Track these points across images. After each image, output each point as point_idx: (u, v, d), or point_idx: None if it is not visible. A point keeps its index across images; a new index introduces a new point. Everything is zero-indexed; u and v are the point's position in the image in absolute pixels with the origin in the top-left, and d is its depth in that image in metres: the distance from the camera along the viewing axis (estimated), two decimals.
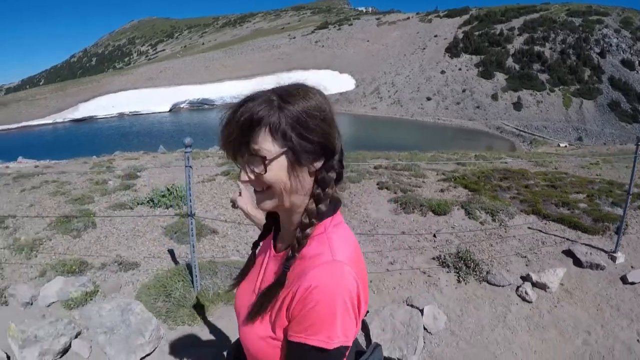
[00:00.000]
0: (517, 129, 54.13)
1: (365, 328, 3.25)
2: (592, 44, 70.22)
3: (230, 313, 3.29)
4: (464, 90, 66.06)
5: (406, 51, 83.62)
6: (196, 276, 3.54)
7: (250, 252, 1.29)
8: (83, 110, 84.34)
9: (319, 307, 0.96)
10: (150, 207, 5.57)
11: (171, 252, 4.37)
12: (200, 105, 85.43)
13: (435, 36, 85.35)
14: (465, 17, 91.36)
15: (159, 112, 78.73)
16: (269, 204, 1.04)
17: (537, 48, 71.39)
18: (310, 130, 0.97)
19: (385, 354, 2.84)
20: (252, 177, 0.99)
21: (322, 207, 1.03)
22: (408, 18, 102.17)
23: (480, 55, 73.63)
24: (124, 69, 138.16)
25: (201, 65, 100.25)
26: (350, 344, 1.01)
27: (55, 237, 4.64)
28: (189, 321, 3.34)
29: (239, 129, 0.96)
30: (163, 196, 5.65)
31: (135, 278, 3.88)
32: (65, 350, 2.92)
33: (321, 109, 0.98)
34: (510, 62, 70.48)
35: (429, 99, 66.89)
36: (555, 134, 51.85)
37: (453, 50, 78.18)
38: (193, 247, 3.46)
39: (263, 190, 1.02)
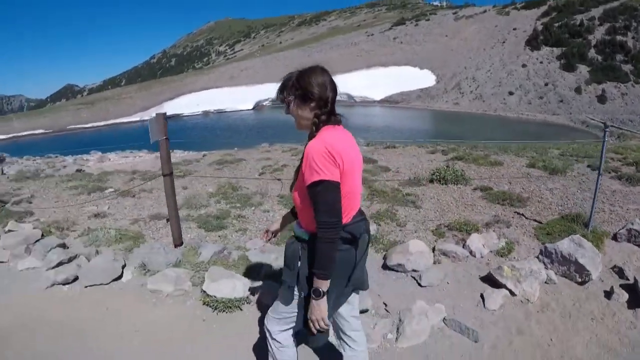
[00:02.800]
0: (602, 122, 52.73)
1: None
2: None
3: None
4: (546, 84, 65.99)
5: (485, 45, 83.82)
6: None
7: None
8: (168, 108, 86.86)
9: (309, 162, 1.94)
10: None
11: None
12: (280, 104, 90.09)
13: (514, 29, 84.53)
14: (544, 8, 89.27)
15: (243, 110, 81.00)
16: (296, 125, 2.17)
17: (619, 38, 69.92)
18: (305, 88, 2.04)
19: None
20: (288, 111, 2.15)
21: (316, 125, 2.06)
22: (485, 11, 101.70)
23: (561, 47, 72.51)
24: (204, 68, 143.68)
25: (281, 64, 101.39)
26: (335, 179, 1.95)
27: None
28: None
29: (281, 90, 2.13)
30: None
31: None
32: None
33: (316, 79, 2.05)
34: (592, 53, 68.92)
35: (511, 93, 67.35)
36: None
37: (533, 42, 77.37)
38: None
39: (295, 117, 2.14)
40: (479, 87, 72.55)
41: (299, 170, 2.11)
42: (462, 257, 4.12)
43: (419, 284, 3.75)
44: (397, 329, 3.13)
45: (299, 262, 2.17)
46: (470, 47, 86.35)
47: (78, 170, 10.36)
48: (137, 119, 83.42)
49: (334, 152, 1.94)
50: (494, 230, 4.73)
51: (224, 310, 3.50)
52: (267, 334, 2.41)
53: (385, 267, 4.07)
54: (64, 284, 4.09)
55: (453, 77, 78.13)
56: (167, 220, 5.17)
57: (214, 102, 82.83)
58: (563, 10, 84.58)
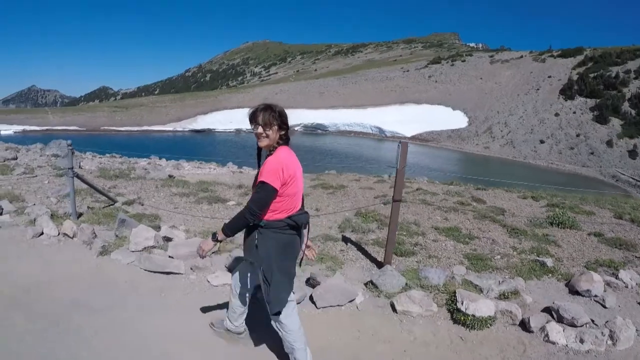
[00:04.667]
0: (633, 178, 53.56)
1: None
2: None
3: None
4: (578, 135, 66.16)
5: (519, 91, 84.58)
6: None
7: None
8: (202, 122, 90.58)
9: (265, 168, 2.78)
10: None
11: None
12: (314, 130, 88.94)
13: (549, 77, 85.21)
14: (580, 57, 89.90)
15: None
16: (264, 142, 2.85)
17: None
18: (283, 120, 2.87)
19: None
20: (264, 132, 2.82)
21: (279, 144, 2.88)
22: (521, 57, 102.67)
23: (595, 98, 72.51)
24: (238, 87, 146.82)
25: (315, 91, 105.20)
26: (276, 187, 2.76)
27: None
28: None
29: (264, 118, 2.81)
30: None
31: None
32: None
33: (285, 113, 2.90)
34: (626, 106, 68.71)
35: (542, 141, 67.57)
36: None
37: (567, 92, 77.80)
38: None
39: (268, 138, 2.83)
40: (511, 132, 73.00)
41: (255, 178, 2.93)
42: (621, 287, 5.08)
43: (603, 306, 4.51)
44: (612, 337, 3.85)
45: (257, 242, 2.92)
46: (504, 91, 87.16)
47: (170, 176, 10.34)
48: (170, 128, 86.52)
49: (285, 169, 2.78)
50: (630, 267, 5.68)
51: (478, 328, 3.87)
52: (231, 295, 3.46)
53: (572, 292, 4.82)
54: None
55: (485, 121, 78.85)
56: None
57: (245, 121, 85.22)
58: (599, 61, 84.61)
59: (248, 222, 2.83)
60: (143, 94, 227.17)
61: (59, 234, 5.69)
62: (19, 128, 73.82)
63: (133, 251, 5.21)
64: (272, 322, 3.13)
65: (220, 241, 2.98)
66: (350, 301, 4.23)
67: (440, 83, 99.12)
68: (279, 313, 3.02)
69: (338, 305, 4.17)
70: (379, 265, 5.19)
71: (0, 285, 4.43)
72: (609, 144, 62.80)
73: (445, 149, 72.75)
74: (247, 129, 79.08)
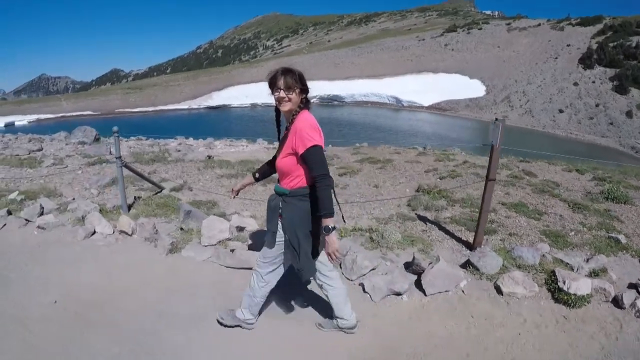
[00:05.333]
0: None
1: None
2: None
3: None
4: (597, 105, 65.49)
5: (537, 59, 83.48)
6: None
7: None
8: (217, 98, 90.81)
9: (301, 134, 2.65)
10: None
11: None
12: (330, 102, 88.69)
13: (568, 45, 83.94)
14: (599, 26, 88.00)
15: None
16: (286, 107, 2.78)
17: None
18: (305, 84, 2.82)
19: None
20: (287, 97, 2.75)
21: (300, 107, 2.80)
22: (539, 25, 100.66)
23: (614, 68, 71.30)
24: (250, 62, 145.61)
25: (330, 62, 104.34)
26: (322, 144, 2.68)
27: None
28: None
29: (286, 81, 2.74)
30: None
31: None
32: None
33: (303, 75, 2.82)
34: None
35: (561, 111, 67.11)
36: None
37: (586, 61, 76.47)
38: None
39: (288, 100, 2.76)
40: (529, 101, 72.60)
41: (282, 145, 2.88)
42: None
43: None
44: None
45: (281, 211, 2.89)
46: (522, 60, 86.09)
47: (209, 157, 10.15)
48: (186, 106, 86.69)
49: (319, 129, 2.75)
50: None
51: (577, 307, 3.87)
52: (256, 275, 3.19)
53: None
54: (397, 295, 3.99)
55: (503, 89, 78.25)
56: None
57: (261, 96, 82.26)
58: (619, 31, 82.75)
59: (330, 185, 2.67)
60: (155, 73, 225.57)
61: (114, 231, 5.10)
62: (33, 117, 74.03)
63: (206, 246, 4.74)
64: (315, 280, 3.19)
65: (334, 227, 2.68)
66: (456, 286, 4.13)
67: (457, 51, 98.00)
68: (309, 282, 3.11)
69: (446, 291, 4.06)
70: (468, 245, 5.10)
71: (62, 299, 3.78)
72: (629, 114, 62.17)
73: (463, 118, 72.64)
74: (262, 103, 79.94)
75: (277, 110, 2.95)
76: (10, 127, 60.01)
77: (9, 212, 5.59)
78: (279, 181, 2.97)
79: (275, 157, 3.08)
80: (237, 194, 3.57)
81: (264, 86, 2.91)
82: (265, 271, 3.11)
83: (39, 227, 5.26)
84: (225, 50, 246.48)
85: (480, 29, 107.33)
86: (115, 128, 5.60)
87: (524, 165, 9.92)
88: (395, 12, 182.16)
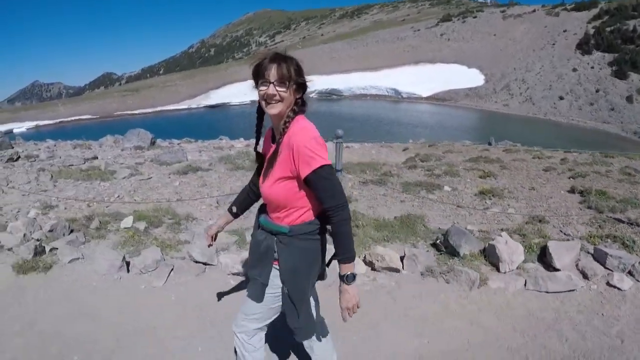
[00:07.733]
0: None
1: None
2: None
3: None
4: (597, 91, 65.37)
5: (535, 46, 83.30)
6: None
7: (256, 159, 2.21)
8: (215, 97, 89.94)
9: (304, 151, 1.86)
10: None
11: None
12: (328, 96, 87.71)
13: (565, 31, 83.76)
14: (595, 10, 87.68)
15: None
16: (275, 109, 1.94)
17: None
18: (303, 78, 1.96)
19: None
20: (279, 94, 1.91)
21: (294, 112, 1.98)
22: (534, 11, 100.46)
23: (613, 53, 71.35)
24: (245, 59, 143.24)
25: (326, 56, 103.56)
26: (330, 162, 1.91)
27: None
28: None
29: (279, 71, 1.89)
30: None
31: None
32: None
33: (301, 65, 1.96)
34: None
35: (561, 98, 66.94)
36: None
37: (584, 46, 76.52)
38: None
39: (279, 100, 1.92)
40: (529, 89, 72.51)
41: (271, 165, 2.04)
42: None
43: None
44: None
45: (277, 256, 2.10)
46: (519, 47, 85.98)
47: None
48: (185, 106, 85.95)
49: (322, 140, 1.96)
50: None
51: None
52: (239, 339, 2.32)
53: None
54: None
55: (502, 78, 78.12)
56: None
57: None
58: (615, 15, 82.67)
59: (349, 219, 1.98)
60: (148, 75, 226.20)
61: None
62: (32, 124, 72.83)
63: None
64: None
65: (355, 275, 2.02)
66: None
67: (453, 41, 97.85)
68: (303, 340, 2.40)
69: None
70: None
71: None
72: (629, 99, 62.27)
73: (464, 108, 72.46)
74: None
75: (260, 112, 2.13)
76: (9, 135, 59.13)
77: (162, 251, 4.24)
78: (266, 212, 2.19)
79: (254, 181, 2.33)
80: (214, 239, 2.59)
81: None
82: (253, 328, 2.30)
83: (232, 273, 3.99)
84: (218, 49, 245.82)
85: (475, 17, 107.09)
86: (339, 132, 5.13)
87: (566, 154, 9.83)
88: (387, 3, 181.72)
